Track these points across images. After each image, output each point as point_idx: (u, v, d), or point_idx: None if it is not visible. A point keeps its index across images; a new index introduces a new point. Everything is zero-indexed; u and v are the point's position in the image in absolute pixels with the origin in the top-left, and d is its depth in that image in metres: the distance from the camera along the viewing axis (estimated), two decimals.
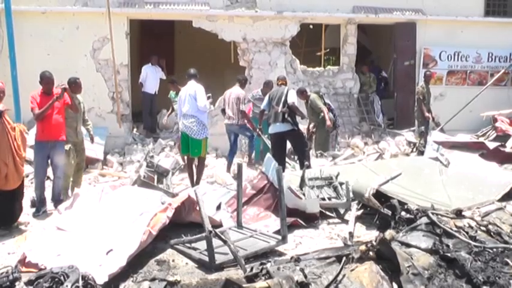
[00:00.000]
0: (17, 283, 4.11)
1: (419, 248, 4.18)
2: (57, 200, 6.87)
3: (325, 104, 10.12)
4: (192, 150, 7.83)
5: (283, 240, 5.02)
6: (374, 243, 4.04)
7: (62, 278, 3.98)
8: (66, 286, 3.90)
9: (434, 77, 12.64)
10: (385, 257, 3.98)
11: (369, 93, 13.47)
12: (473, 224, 4.67)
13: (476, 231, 4.49)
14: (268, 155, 6.57)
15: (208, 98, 7.89)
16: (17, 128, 6.14)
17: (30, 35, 11.15)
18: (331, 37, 14.08)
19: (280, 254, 4.97)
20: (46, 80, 6.79)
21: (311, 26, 13.59)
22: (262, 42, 12.20)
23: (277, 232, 5.26)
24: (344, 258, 4.00)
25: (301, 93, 10.10)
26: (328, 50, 14.77)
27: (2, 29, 10.75)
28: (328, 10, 12.37)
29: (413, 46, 12.83)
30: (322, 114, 9.74)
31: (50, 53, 11.24)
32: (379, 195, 5.89)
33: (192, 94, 7.71)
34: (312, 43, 15.37)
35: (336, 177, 6.74)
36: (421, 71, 12.81)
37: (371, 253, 4.00)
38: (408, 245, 4.24)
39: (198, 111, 7.69)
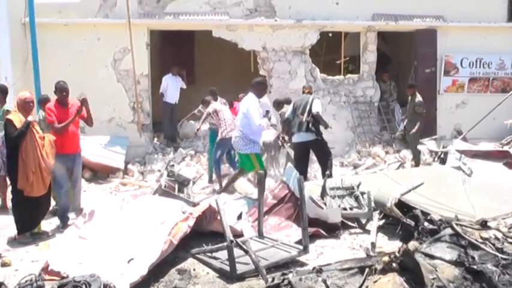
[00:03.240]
0: None
1: (443, 260, 4.11)
2: (76, 211, 6.91)
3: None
4: (241, 164, 7.83)
5: (305, 250, 5.00)
6: (397, 254, 3.99)
7: (83, 286, 4.03)
8: None
9: (455, 84, 12.54)
10: (408, 269, 3.92)
11: (389, 101, 13.37)
12: (499, 235, 4.57)
13: (503, 243, 4.39)
14: (290, 165, 6.54)
15: (267, 113, 7.75)
16: (46, 137, 6.26)
17: (52, 47, 11.31)
18: (350, 45, 14.04)
19: (302, 264, 4.95)
20: (59, 89, 6.72)
21: (330, 34, 13.56)
22: (282, 51, 12.20)
23: (299, 242, 5.25)
24: (367, 270, 3.96)
25: None
26: (347, 58, 14.70)
27: (27, 41, 10.93)
28: (348, 18, 12.32)
29: (434, 53, 12.70)
30: None
31: (71, 63, 11.37)
32: (401, 205, 5.82)
33: (244, 112, 7.29)
34: (331, 51, 15.33)
35: (358, 186, 6.68)
36: (442, 78, 12.68)
37: (394, 264, 3.95)
38: (432, 257, 4.17)
39: (246, 126, 7.30)
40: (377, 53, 12.87)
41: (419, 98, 10.74)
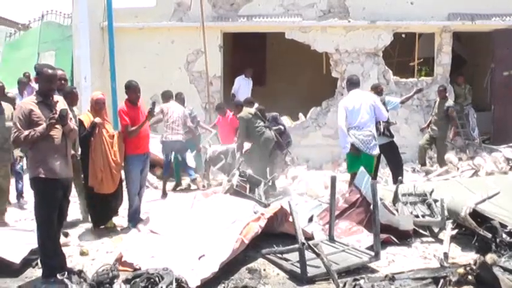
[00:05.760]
0: (115, 280, 4.42)
1: None
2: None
3: (265, 123, 8.91)
4: (364, 166, 6.70)
5: (376, 256, 4.94)
6: (473, 266, 3.89)
7: (156, 279, 4.22)
8: (161, 287, 4.10)
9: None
10: (485, 283, 3.81)
11: (463, 105, 12.88)
12: None
13: None
14: (362, 169, 6.45)
15: None
16: (115, 136, 6.53)
17: (128, 50, 11.73)
18: (425, 46, 13.65)
19: (373, 271, 4.91)
20: (133, 89, 6.70)
21: (404, 35, 13.26)
22: (355, 53, 12.03)
23: (369, 248, 5.20)
24: (441, 281, 3.87)
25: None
26: (421, 60, 14.31)
27: (105, 44, 11.41)
28: (423, 18, 11.98)
29: None
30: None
31: (146, 66, 11.79)
32: (476, 214, 5.62)
33: (373, 104, 7.12)
34: (404, 53, 14.99)
35: (430, 194, 6.49)
36: None
37: (470, 277, 3.85)
38: None
39: (374, 124, 7.11)
40: (452, 54, 12.44)
41: (450, 101, 10.61)
